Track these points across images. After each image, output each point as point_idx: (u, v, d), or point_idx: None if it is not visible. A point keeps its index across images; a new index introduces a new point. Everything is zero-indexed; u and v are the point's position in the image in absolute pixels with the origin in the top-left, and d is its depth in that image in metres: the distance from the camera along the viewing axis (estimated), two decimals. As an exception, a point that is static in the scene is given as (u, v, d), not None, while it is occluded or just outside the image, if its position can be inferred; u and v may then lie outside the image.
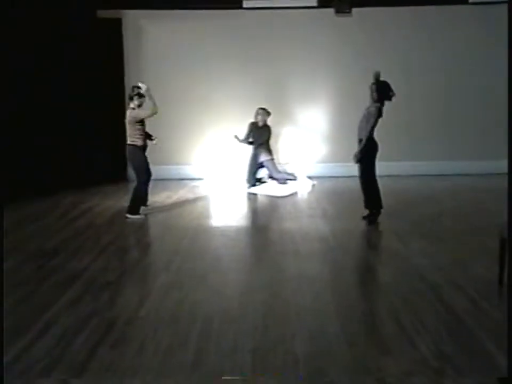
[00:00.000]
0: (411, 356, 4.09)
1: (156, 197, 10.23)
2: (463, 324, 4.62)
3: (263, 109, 11.22)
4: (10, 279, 5.73)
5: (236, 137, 11.07)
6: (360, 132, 7.89)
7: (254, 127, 11.19)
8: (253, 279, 5.87)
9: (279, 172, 11.22)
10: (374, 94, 7.77)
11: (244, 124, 11.35)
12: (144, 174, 8.67)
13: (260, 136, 11.13)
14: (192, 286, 5.67)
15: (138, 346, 4.33)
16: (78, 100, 10.82)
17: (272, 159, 11.18)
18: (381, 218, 8.14)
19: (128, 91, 11.72)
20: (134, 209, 8.62)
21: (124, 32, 11.88)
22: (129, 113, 8.54)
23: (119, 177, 11.55)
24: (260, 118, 11.18)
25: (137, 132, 8.49)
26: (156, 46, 11.94)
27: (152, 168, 11.59)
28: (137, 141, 8.50)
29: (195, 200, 10.08)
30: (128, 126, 8.52)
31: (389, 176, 11.09)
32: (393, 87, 7.76)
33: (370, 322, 4.80)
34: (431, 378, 3.81)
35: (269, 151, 11.20)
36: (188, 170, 12.18)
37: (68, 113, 10.74)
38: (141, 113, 8.49)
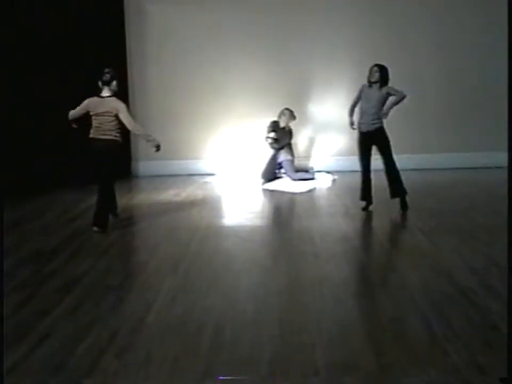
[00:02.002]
0: (442, 365, 4.06)
1: (163, 194, 10.27)
2: (498, 331, 4.58)
3: (290, 110, 11.23)
4: (5, 283, 5.76)
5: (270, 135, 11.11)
6: (372, 117, 8.29)
7: (275, 126, 11.18)
8: (268, 283, 5.85)
9: (296, 173, 11.18)
10: (377, 74, 8.21)
11: (259, 115, 11.41)
12: (115, 176, 8.21)
13: (281, 139, 11.14)
14: (202, 290, 5.66)
15: (144, 355, 4.32)
16: (77, 91, 10.75)
17: (292, 160, 11.17)
18: (407, 215, 8.18)
19: (132, 82, 11.89)
20: (105, 218, 7.87)
21: (126, 13, 11.87)
22: (107, 106, 7.66)
23: (120, 173, 11.57)
24: (283, 118, 11.21)
25: (118, 125, 7.70)
26: (161, 29, 11.94)
27: (159, 163, 11.70)
28: (118, 137, 7.75)
29: (205, 197, 10.08)
30: (104, 118, 7.66)
31: (413, 170, 11.09)
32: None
33: (397, 329, 4.77)
34: (464, 389, 3.78)
35: (290, 152, 11.22)
36: (198, 165, 12.19)
37: (65, 106, 10.70)
38: (127, 117, 7.66)
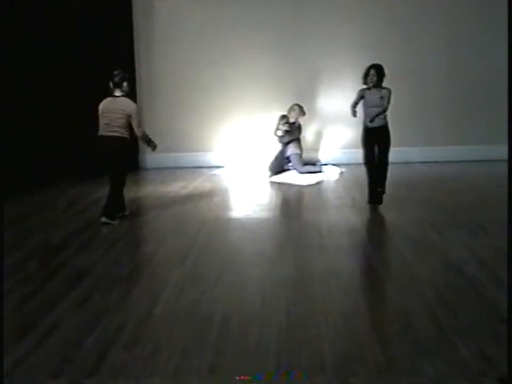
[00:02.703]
0: (449, 358, 4.05)
1: (171, 187, 10.27)
2: (507, 324, 4.57)
3: (300, 106, 11.24)
4: (13, 276, 5.79)
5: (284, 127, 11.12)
6: (376, 115, 8.33)
7: (284, 120, 11.21)
8: (275, 275, 5.84)
9: (304, 166, 11.18)
10: (375, 78, 8.28)
11: (267, 108, 11.42)
12: (126, 172, 8.20)
13: (289, 133, 11.17)
14: (210, 282, 5.66)
15: (152, 347, 4.32)
16: (85, 84, 10.74)
17: (300, 154, 11.18)
18: (415, 208, 8.16)
19: (140, 76, 11.88)
20: (113, 210, 7.92)
21: (133, 7, 11.85)
22: (120, 104, 7.74)
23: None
24: (293, 114, 11.23)
25: (127, 123, 7.74)
26: (169, 23, 11.91)
27: (167, 155, 11.71)
28: (127, 134, 7.80)
29: (213, 189, 10.07)
30: (114, 115, 7.70)
31: (423, 162, 11.05)
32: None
33: (404, 321, 4.75)
34: (472, 382, 3.76)
35: (298, 147, 11.24)
36: (206, 157, 12.18)
37: (73, 99, 10.68)
38: (136, 120, 7.78)
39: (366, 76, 8.36)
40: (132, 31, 11.84)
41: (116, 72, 7.81)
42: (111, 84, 7.81)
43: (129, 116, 7.71)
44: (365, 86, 8.43)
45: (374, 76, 8.27)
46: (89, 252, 6.69)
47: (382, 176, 8.46)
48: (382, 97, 8.30)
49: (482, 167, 11.33)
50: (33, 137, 10.31)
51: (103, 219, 7.74)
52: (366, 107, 8.43)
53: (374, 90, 8.34)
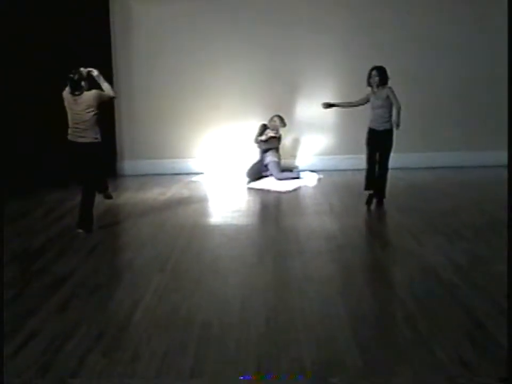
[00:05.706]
0: (427, 362, 4.09)
1: (148, 194, 10.23)
2: (484, 328, 4.62)
3: (280, 117, 11.30)
4: (-8, 283, 5.75)
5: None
6: (381, 119, 8.55)
7: (265, 129, 11.28)
8: (255, 281, 5.86)
9: (282, 173, 11.23)
10: (377, 78, 8.51)
11: (247, 115, 11.46)
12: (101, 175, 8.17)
13: (269, 143, 11.27)
14: (189, 289, 5.67)
15: (132, 354, 4.32)
16: (60, 89, 10.67)
17: (278, 162, 11.23)
18: (392, 214, 8.23)
19: (118, 80, 11.82)
20: (89, 221, 7.76)
21: (111, 10, 11.76)
22: (82, 99, 7.45)
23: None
24: (273, 125, 11.27)
25: (97, 123, 7.53)
26: (148, 27, 11.85)
27: (145, 162, 11.66)
28: (98, 138, 7.57)
29: (191, 196, 10.05)
30: (83, 118, 7.46)
31: (400, 168, 11.11)
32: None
33: (383, 326, 4.81)
34: (449, 385, 3.81)
35: (277, 155, 11.31)
36: (185, 164, 12.14)
37: (50, 105, 10.57)
38: (104, 94, 7.59)
39: (368, 77, 8.60)
40: (110, 37, 11.75)
41: (71, 74, 7.43)
42: (68, 84, 7.50)
43: (98, 103, 7.47)
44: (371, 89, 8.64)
45: (376, 76, 8.51)
46: (69, 259, 6.66)
47: (381, 184, 8.71)
48: (387, 97, 8.48)
49: (456, 173, 11.40)
50: (10, 144, 10.24)
51: (80, 231, 7.65)
52: (372, 109, 8.64)
53: (378, 92, 8.56)
